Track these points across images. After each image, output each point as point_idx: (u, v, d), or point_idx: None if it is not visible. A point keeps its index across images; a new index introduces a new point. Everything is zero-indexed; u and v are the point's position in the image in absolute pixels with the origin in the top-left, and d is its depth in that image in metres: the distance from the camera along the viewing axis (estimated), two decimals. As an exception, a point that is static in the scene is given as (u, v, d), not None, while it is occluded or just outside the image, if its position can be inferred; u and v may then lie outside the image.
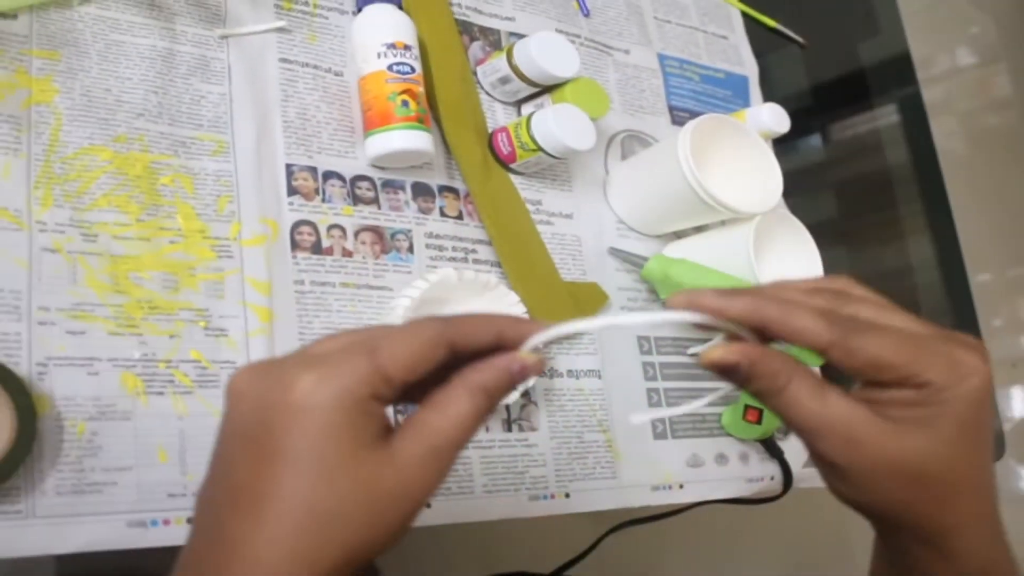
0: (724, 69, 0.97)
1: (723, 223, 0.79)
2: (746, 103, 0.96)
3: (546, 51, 0.73)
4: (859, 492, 0.40)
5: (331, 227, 0.64)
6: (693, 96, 0.92)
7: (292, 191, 0.64)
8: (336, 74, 0.69)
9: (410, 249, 0.67)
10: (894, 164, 1.16)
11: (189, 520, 0.52)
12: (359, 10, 0.70)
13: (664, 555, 1.65)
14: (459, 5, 0.79)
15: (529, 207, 0.75)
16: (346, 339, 0.36)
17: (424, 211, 0.69)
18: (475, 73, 0.77)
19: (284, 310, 0.60)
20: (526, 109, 0.78)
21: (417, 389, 0.37)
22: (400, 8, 0.70)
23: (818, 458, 0.41)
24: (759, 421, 0.74)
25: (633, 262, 0.78)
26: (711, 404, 0.41)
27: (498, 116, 0.77)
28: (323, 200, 0.65)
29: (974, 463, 0.40)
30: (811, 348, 0.38)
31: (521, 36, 0.79)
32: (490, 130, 0.75)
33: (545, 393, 0.69)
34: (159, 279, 0.56)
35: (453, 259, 0.69)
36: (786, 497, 0.79)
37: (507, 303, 0.65)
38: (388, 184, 0.68)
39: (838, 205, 1.08)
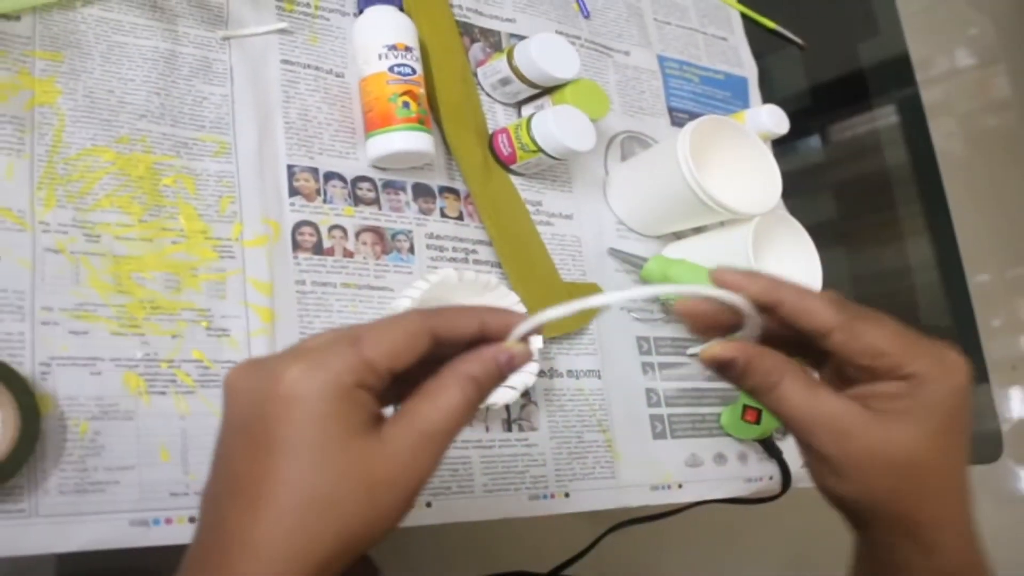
0: (723, 70, 0.97)
1: (722, 224, 0.80)
2: (745, 104, 0.97)
3: (546, 52, 0.73)
4: (849, 484, 0.42)
5: (332, 228, 0.65)
6: (693, 97, 0.93)
7: (293, 192, 0.64)
8: (337, 75, 0.70)
9: (411, 250, 0.68)
10: (893, 165, 1.17)
11: (192, 520, 0.53)
12: (360, 12, 0.70)
13: (663, 554, 1.66)
14: (460, 7, 0.79)
15: (529, 208, 0.75)
16: (333, 334, 0.37)
17: (425, 212, 0.69)
18: (476, 74, 0.78)
19: (285, 310, 0.60)
20: (526, 110, 0.79)
21: (408, 389, 0.38)
22: (401, 10, 0.70)
23: (811, 453, 0.43)
24: (758, 421, 0.74)
25: (633, 263, 0.78)
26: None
27: (498, 117, 0.78)
28: (324, 201, 0.65)
29: (953, 458, 0.42)
30: (818, 329, 0.41)
31: (522, 38, 0.80)
32: (490, 131, 0.76)
33: (545, 393, 0.69)
34: (161, 279, 0.57)
35: (454, 260, 0.69)
36: (784, 497, 0.79)
37: (507, 303, 0.65)
38: (389, 185, 0.68)
39: (837, 206, 1.08)
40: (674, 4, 0.97)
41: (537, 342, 0.65)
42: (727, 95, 0.96)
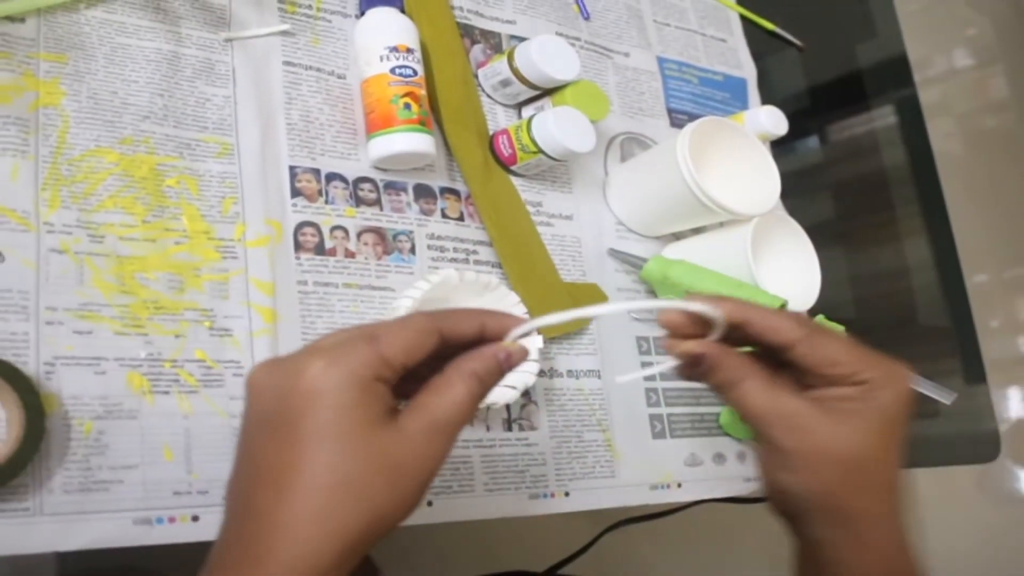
0: (723, 72, 0.98)
1: (721, 225, 0.80)
2: (744, 105, 0.97)
3: (547, 54, 0.74)
4: (797, 476, 0.46)
5: (334, 228, 0.65)
6: (692, 99, 0.93)
7: (295, 193, 0.64)
8: (339, 77, 0.70)
9: (412, 250, 0.68)
10: (891, 165, 1.17)
11: (195, 518, 0.53)
12: (362, 13, 0.71)
13: (662, 554, 1.66)
14: (460, 8, 0.79)
15: (529, 209, 0.75)
16: (347, 333, 0.40)
17: (426, 213, 0.70)
18: (476, 76, 0.78)
19: (288, 310, 0.61)
20: (527, 112, 0.79)
21: (411, 384, 0.41)
22: (402, 12, 0.71)
23: (767, 446, 0.47)
24: (757, 421, 0.75)
25: (632, 263, 0.78)
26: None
27: (499, 118, 0.78)
28: (326, 202, 0.65)
29: (891, 457, 0.47)
30: (782, 343, 0.46)
31: (522, 39, 0.80)
32: (491, 132, 0.76)
33: (545, 393, 0.70)
34: (165, 280, 0.57)
35: (454, 260, 0.70)
36: (783, 496, 0.79)
37: (508, 303, 0.66)
38: (390, 186, 0.69)
39: (835, 206, 1.09)
40: (673, 6, 0.98)
41: (538, 342, 0.66)
42: (726, 96, 0.96)
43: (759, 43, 1.03)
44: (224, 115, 0.63)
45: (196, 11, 0.65)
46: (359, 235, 0.66)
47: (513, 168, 0.75)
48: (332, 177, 0.66)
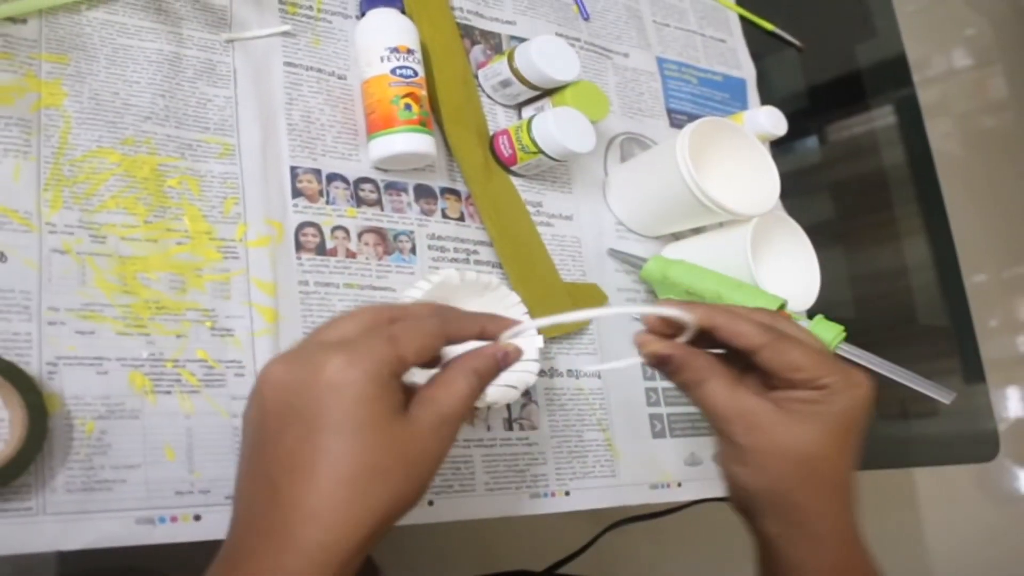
0: (722, 72, 0.98)
1: (721, 225, 0.80)
2: (744, 106, 0.97)
3: (547, 55, 0.74)
4: (753, 471, 0.49)
5: (335, 228, 0.65)
6: (691, 99, 0.93)
7: (296, 193, 0.65)
8: (340, 78, 0.70)
9: (412, 250, 0.68)
10: (890, 165, 1.17)
11: (197, 518, 0.53)
12: (362, 14, 0.71)
13: (662, 553, 1.66)
14: (461, 9, 0.79)
15: (530, 209, 0.76)
16: (357, 323, 0.43)
17: (426, 213, 0.70)
18: (476, 76, 0.78)
19: (289, 311, 0.61)
20: (527, 112, 0.79)
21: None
22: (403, 12, 0.71)
23: (726, 442, 0.50)
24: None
25: (632, 263, 0.79)
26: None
27: (499, 119, 0.78)
28: (327, 202, 0.66)
29: (845, 458, 0.49)
30: (748, 348, 0.49)
31: (522, 40, 0.80)
32: (491, 133, 0.76)
33: (546, 392, 0.70)
34: (166, 280, 0.57)
35: (455, 260, 0.70)
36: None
37: (508, 303, 0.66)
38: (391, 186, 0.69)
39: (835, 206, 1.09)
40: (673, 6, 0.98)
41: (538, 342, 0.66)
42: (725, 96, 0.97)
43: (758, 43, 1.03)
44: (225, 116, 0.64)
45: (197, 12, 0.65)
46: (360, 235, 0.66)
47: (513, 168, 0.75)
48: (333, 177, 0.67)
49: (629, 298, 0.79)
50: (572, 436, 0.70)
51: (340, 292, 0.64)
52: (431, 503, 0.62)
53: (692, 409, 0.77)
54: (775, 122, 0.85)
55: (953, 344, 1.11)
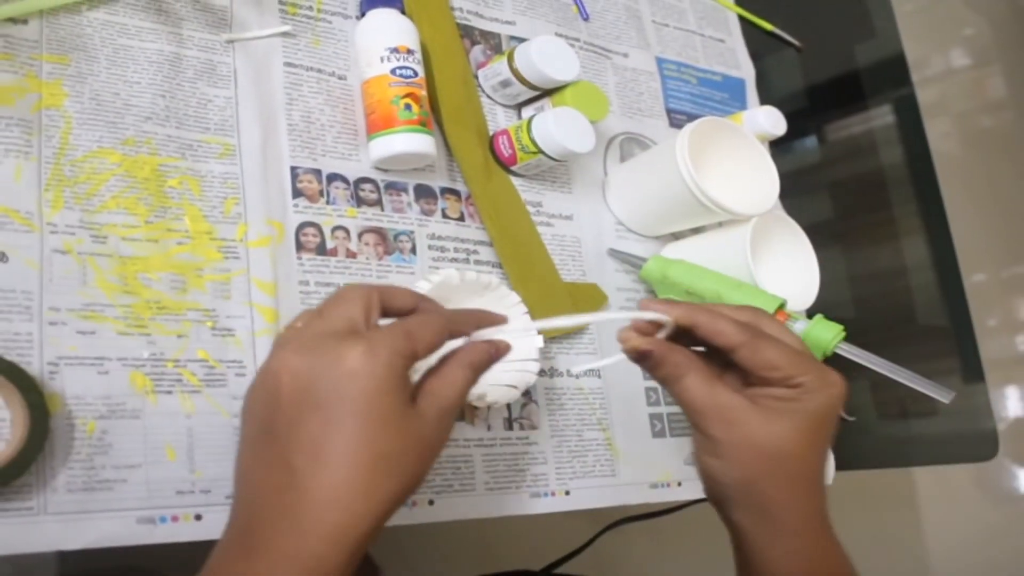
0: (721, 72, 0.98)
1: (720, 224, 0.80)
2: (743, 106, 0.97)
3: (546, 55, 0.74)
4: (725, 464, 0.51)
5: (335, 229, 0.65)
6: (691, 99, 0.93)
7: (297, 193, 0.65)
8: (340, 78, 0.70)
9: (413, 250, 0.68)
10: (889, 165, 1.18)
11: (198, 517, 0.53)
12: (362, 15, 0.71)
13: (661, 552, 1.66)
14: (460, 9, 0.80)
15: (529, 209, 0.76)
16: (354, 306, 0.45)
17: (426, 213, 0.70)
18: (476, 77, 0.78)
19: (289, 310, 0.61)
20: (527, 112, 0.79)
21: None
22: (403, 13, 0.71)
23: (702, 435, 0.52)
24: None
25: (632, 263, 0.79)
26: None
27: (499, 119, 0.78)
28: (327, 202, 0.66)
29: (814, 454, 0.51)
30: (726, 346, 0.51)
31: (521, 40, 0.81)
32: (491, 133, 0.76)
33: (545, 392, 0.70)
34: (167, 280, 0.57)
35: (455, 260, 0.70)
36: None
37: (508, 303, 0.66)
38: (391, 186, 0.69)
39: (834, 206, 1.09)
40: (672, 6, 0.98)
41: (538, 342, 0.66)
42: (725, 96, 0.97)
43: (757, 43, 1.03)
44: (226, 116, 0.64)
45: (197, 13, 0.65)
46: (360, 235, 0.66)
47: (513, 168, 0.75)
48: (333, 178, 0.67)
49: (629, 298, 0.79)
50: (572, 436, 0.70)
51: (340, 292, 0.64)
52: (431, 502, 0.62)
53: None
54: (774, 122, 0.86)
55: (952, 343, 1.11)
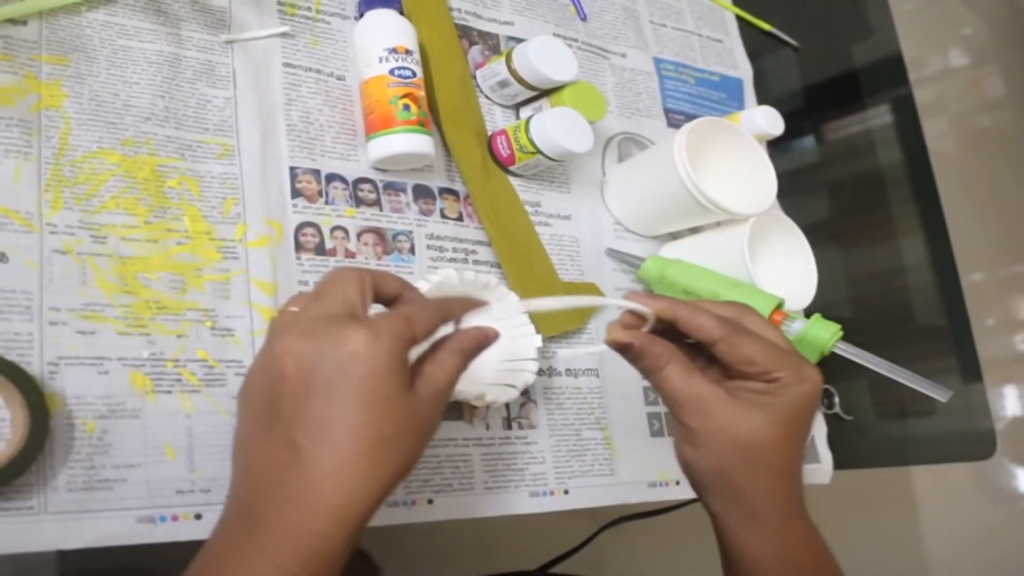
0: (719, 72, 0.98)
1: (718, 224, 0.81)
2: (741, 106, 0.98)
3: (544, 55, 0.74)
4: (701, 453, 0.53)
5: (334, 229, 0.66)
6: (688, 99, 0.94)
7: (296, 193, 0.65)
8: (338, 78, 0.71)
9: (411, 250, 0.68)
10: (887, 165, 1.18)
11: (198, 516, 0.54)
12: (361, 15, 0.71)
13: (659, 551, 1.66)
14: (459, 10, 0.80)
15: (528, 209, 0.76)
16: (349, 288, 0.46)
17: (425, 213, 0.70)
18: (474, 77, 0.79)
19: (289, 310, 0.61)
20: (525, 112, 0.80)
21: None
22: (401, 13, 0.71)
23: (680, 425, 0.54)
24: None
25: (630, 263, 0.79)
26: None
27: (497, 119, 0.79)
28: (326, 202, 0.66)
29: (789, 446, 0.53)
30: (705, 340, 0.53)
31: (520, 40, 0.81)
32: (489, 133, 0.77)
33: (544, 391, 0.70)
34: (167, 280, 0.57)
35: (453, 260, 0.70)
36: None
37: (507, 303, 0.66)
38: (390, 186, 0.69)
39: (832, 206, 1.09)
40: (670, 7, 0.98)
41: (537, 341, 0.66)
42: (723, 96, 0.97)
43: (755, 43, 1.03)
44: (225, 116, 0.64)
45: (196, 13, 0.65)
46: (359, 235, 0.66)
47: (511, 168, 0.76)
48: (332, 178, 0.67)
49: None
50: (571, 435, 0.70)
51: (339, 292, 0.64)
52: (431, 502, 0.62)
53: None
54: (772, 122, 0.86)
55: (950, 343, 1.11)
